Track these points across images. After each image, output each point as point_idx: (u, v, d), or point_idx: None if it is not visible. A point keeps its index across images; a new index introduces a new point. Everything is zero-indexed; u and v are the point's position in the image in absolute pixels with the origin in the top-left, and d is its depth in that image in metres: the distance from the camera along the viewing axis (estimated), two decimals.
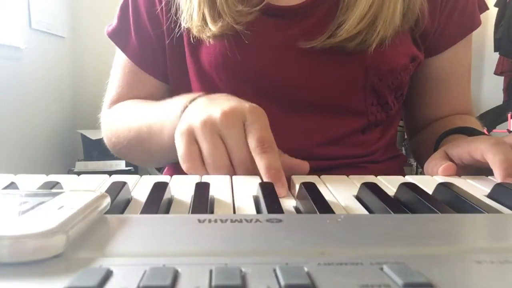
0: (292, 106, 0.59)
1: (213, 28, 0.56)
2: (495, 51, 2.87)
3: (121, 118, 0.63)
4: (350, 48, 0.55)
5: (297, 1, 0.57)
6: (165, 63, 0.65)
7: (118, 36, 0.67)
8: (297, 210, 0.33)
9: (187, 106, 0.48)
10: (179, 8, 0.60)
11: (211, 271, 0.18)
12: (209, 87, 0.60)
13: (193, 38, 0.59)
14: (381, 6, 0.53)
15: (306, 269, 0.19)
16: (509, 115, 2.50)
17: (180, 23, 0.60)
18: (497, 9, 2.82)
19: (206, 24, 0.56)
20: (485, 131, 2.32)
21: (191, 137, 0.42)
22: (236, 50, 0.57)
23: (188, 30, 0.59)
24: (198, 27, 0.57)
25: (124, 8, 0.66)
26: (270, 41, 0.57)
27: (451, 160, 0.46)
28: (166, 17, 0.62)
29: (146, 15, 0.64)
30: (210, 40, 0.58)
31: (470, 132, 0.54)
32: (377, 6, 0.53)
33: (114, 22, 0.68)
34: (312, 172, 0.44)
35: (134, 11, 0.65)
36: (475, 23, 0.63)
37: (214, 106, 0.43)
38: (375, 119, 0.61)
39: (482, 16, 0.65)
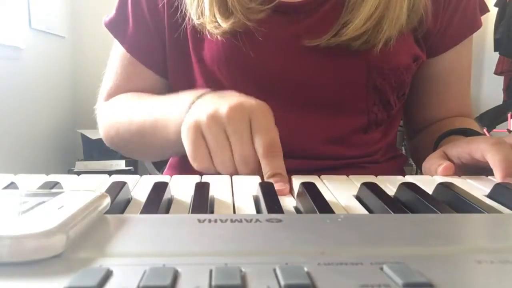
0: (294, 104, 0.59)
1: (224, 24, 0.56)
2: (495, 51, 2.87)
3: (121, 111, 0.62)
4: (355, 47, 0.55)
5: None
6: (163, 57, 0.64)
7: (116, 27, 0.66)
8: (297, 210, 0.33)
9: (194, 102, 0.48)
10: (182, 2, 0.59)
11: (211, 271, 0.18)
12: (212, 83, 0.60)
13: (197, 34, 0.59)
14: (387, 6, 0.54)
15: (306, 269, 0.19)
16: (509, 115, 2.50)
17: (183, 18, 0.59)
18: (497, 9, 2.82)
19: (216, 20, 0.56)
20: (485, 131, 2.31)
21: (198, 132, 0.42)
22: (239, 46, 0.57)
23: (193, 26, 0.59)
24: (213, 23, 0.57)
25: (123, 0, 0.66)
26: (273, 37, 0.57)
27: (450, 160, 0.46)
28: (168, 11, 0.61)
29: (147, 8, 0.63)
30: (218, 36, 0.57)
31: (470, 134, 0.54)
32: (383, 6, 0.53)
33: (112, 13, 0.67)
34: (313, 172, 0.44)
35: (134, 3, 0.64)
36: (476, 25, 0.64)
37: (221, 101, 0.43)
38: (375, 118, 0.61)
39: (482, 16, 0.65)
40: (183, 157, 0.70)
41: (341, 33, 0.54)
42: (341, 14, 0.55)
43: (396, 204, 0.31)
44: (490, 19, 2.89)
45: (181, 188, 0.37)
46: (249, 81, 0.59)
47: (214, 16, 0.56)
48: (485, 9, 0.65)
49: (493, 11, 2.83)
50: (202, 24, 0.58)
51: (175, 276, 0.18)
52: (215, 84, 0.60)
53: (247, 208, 0.33)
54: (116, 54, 0.67)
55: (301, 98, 0.59)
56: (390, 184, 0.39)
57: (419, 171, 0.50)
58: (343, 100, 0.60)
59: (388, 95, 0.60)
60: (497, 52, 2.86)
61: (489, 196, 0.36)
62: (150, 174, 1.58)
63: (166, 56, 0.64)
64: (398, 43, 0.56)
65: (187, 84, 0.63)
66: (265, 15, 0.56)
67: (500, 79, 3.01)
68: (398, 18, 0.54)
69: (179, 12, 0.60)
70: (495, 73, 2.99)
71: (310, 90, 0.58)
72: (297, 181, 0.38)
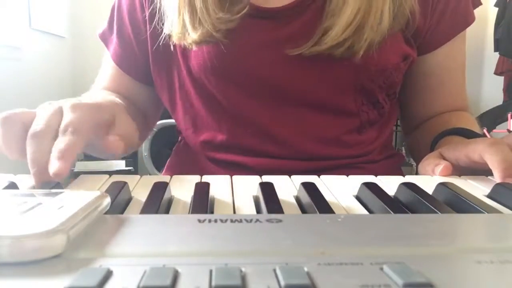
0: (284, 107, 0.59)
1: (194, 35, 0.56)
2: (495, 51, 2.86)
3: None
4: (338, 55, 0.54)
5: (282, 2, 0.57)
6: (146, 67, 0.66)
7: (105, 36, 0.70)
8: (297, 210, 0.33)
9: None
10: (163, 14, 0.60)
11: (211, 271, 0.18)
12: (201, 90, 0.61)
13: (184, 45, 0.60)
14: (368, 13, 0.53)
15: (306, 269, 0.19)
16: (509, 115, 2.49)
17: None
18: (497, 9, 2.82)
19: (187, 30, 0.57)
20: (485, 131, 2.30)
21: None
22: (223, 53, 0.57)
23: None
24: (178, 35, 0.58)
25: (112, 11, 0.69)
26: (256, 43, 0.57)
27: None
28: (150, 24, 0.62)
29: (129, 20, 0.65)
30: (193, 46, 0.58)
31: (466, 134, 0.54)
32: (363, 13, 0.52)
33: (105, 24, 0.71)
34: (309, 172, 0.44)
35: (118, 15, 0.67)
36: (469, 19, 0.63)
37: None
38: (367, 118, 0.61)
39: (482, 16, 0.65)
40: (182, 158, 0.70)
41: (322, 42, 0.53)
42: (321, 20, 0.55)
43: (396, 204, 0.31)
44: (490, 19, 2.89)
45: (181, 188, 0.37)
46: (236, 87, 0.59)
47: (184, 26, 0.57)
48: (477, 3, 0.65)
49: (493, 11, 2.83)
50: (172, 34, 0.59)
51: (175, 276, 0.18)
52: (205, 92, 0.60)
53: (247, 208, 0.33)
54: (106, 58, 0.71)
55: (291, 102, 0.59)
56: (390, 184, 0.39)
57: None
58: (332, 103, 0.59)
59: (377, 94, 0.60)
60: (497, 52, 2.86)
61: (489, 196, 0.36)
62: (150, 174, 1.58)
63: (149, 67, 0.66)
64: (385, 44, 0.56)
65: (171, 94, 0.65)
66: (235, 24, 0.56)
67: (500, 79, 3.01)
68: (379, 25, 0.53)
69: (160, 24, 0.61)
70: (495, 73, 2.99)
71: (298, 94, 0.58)
72: (297, 181, 0.38)
